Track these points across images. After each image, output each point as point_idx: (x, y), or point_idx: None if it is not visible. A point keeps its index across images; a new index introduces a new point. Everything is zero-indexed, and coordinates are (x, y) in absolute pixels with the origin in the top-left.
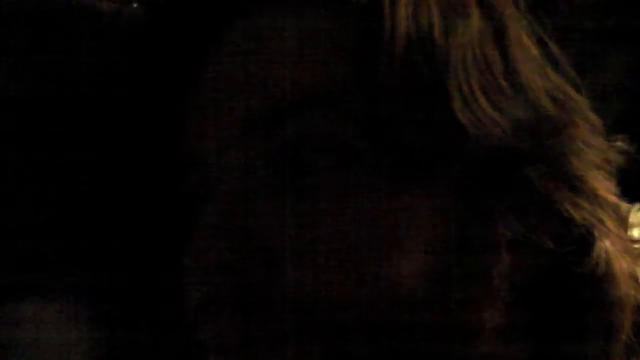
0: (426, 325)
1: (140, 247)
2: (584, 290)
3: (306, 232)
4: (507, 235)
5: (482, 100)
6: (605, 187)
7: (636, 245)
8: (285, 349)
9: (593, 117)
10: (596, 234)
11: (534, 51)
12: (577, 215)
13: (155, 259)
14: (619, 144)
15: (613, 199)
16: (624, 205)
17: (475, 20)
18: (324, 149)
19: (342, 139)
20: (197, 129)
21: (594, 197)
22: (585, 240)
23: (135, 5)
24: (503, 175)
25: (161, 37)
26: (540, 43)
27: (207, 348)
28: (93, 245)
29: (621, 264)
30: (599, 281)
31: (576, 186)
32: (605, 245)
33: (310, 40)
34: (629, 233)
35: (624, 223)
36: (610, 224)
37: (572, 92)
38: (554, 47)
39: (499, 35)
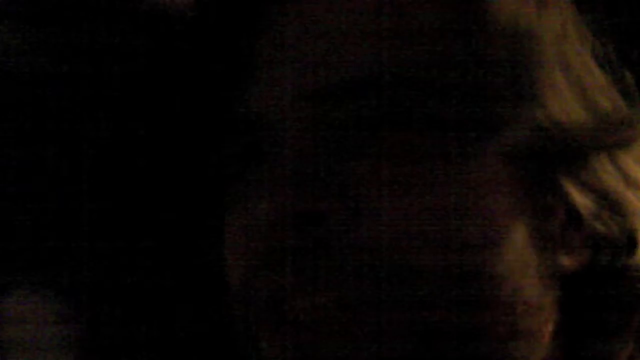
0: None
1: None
2: (622, 290)
3: (386, 187)
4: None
5: (564, 86)
6: None
7: None
8: (362, 291)
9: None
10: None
11: (584, 49)
12: (636, 205)
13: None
14: None
15: None
16: None
17: (555, 13)
18: (405, 120)
19: (421, 114)
20: (265, 92)
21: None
22: (632, 235)
23: None
24: (567, 163)
25: None
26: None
27: (265, 303)
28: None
29: None
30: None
31: (629, 182)
32: None
33: (398, 16)
34: None
35: None
36: None
37: (618, 93)
38: (604, 46)
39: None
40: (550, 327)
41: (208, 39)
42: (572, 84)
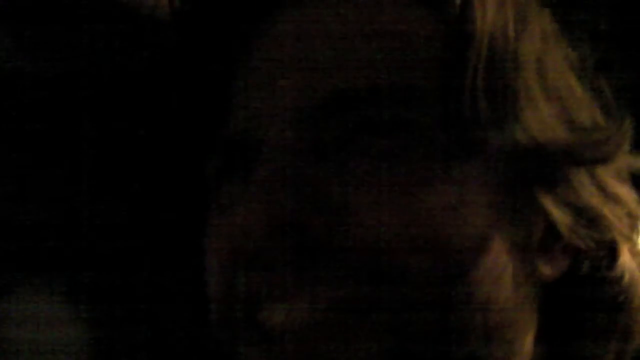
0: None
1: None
2: (605, 297)
3: (371, 194)
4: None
5: (543, 103)
6: (633, 198)
7: None
8: (346, 292)
9: (626, 124)
10: (622, 241)
11: (564, 65)
12: (613, 220)
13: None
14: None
15: (636, 209)
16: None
17: (535, 29)
18: (392, 132)
19: (411, 126)
20: (253, 108)
21: (621, 206)
22: (612, 246)
23: None
24: (546, 179)
25: (212, 12)
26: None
27: (258, 302)
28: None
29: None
30: (624, 287)
31: (608, 197)
32: (627, 252)
33: (391, 28)
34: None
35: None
36: (629, 231)
37: (597, 108)
38: (580, 52)
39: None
40: (530, 331)
41: (203, 41)
42: (552, 101)
